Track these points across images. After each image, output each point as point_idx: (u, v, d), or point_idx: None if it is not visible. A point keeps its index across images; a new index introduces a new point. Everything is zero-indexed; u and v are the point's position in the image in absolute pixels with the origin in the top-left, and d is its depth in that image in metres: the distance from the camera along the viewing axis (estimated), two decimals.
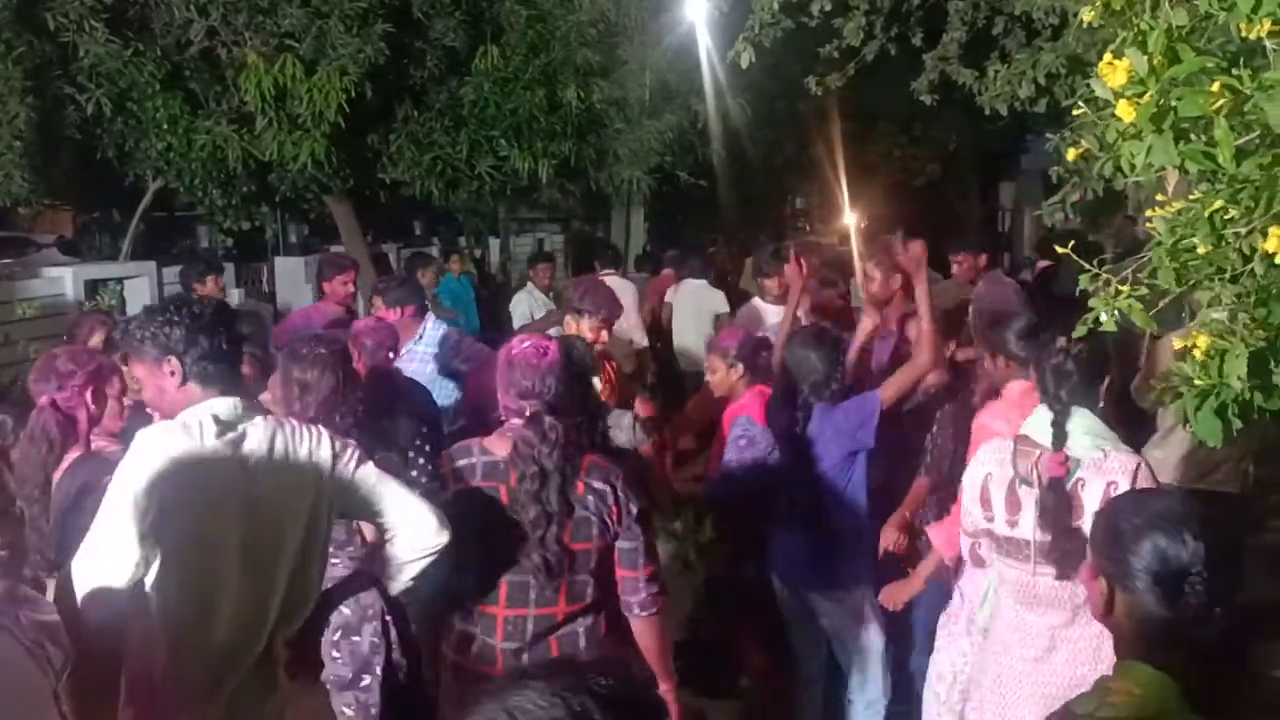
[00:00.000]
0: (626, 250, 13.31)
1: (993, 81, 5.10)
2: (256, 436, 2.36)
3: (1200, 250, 1.99)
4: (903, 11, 5.82)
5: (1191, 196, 2.03)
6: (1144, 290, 2.03)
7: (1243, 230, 1.91)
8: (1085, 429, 2.71)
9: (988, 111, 5.28)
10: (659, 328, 8.01)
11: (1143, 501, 1.86)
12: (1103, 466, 2.67)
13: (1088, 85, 2.08)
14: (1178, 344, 2.03)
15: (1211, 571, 1.62)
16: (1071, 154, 2.34)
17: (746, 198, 15.61)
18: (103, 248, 9.82)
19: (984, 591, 3.01)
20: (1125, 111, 1.88)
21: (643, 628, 2.72)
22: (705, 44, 8.71)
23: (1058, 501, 2.64)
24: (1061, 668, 2.70)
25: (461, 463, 2.69)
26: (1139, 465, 2.68)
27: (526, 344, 2.69)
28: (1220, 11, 1.86)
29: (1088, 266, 2.10)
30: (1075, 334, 2.14)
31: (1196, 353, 1.99)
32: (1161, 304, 2.12)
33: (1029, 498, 2.74)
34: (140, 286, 8.14)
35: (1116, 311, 2.01)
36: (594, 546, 2.63)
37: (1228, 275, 1.98)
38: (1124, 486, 2.59)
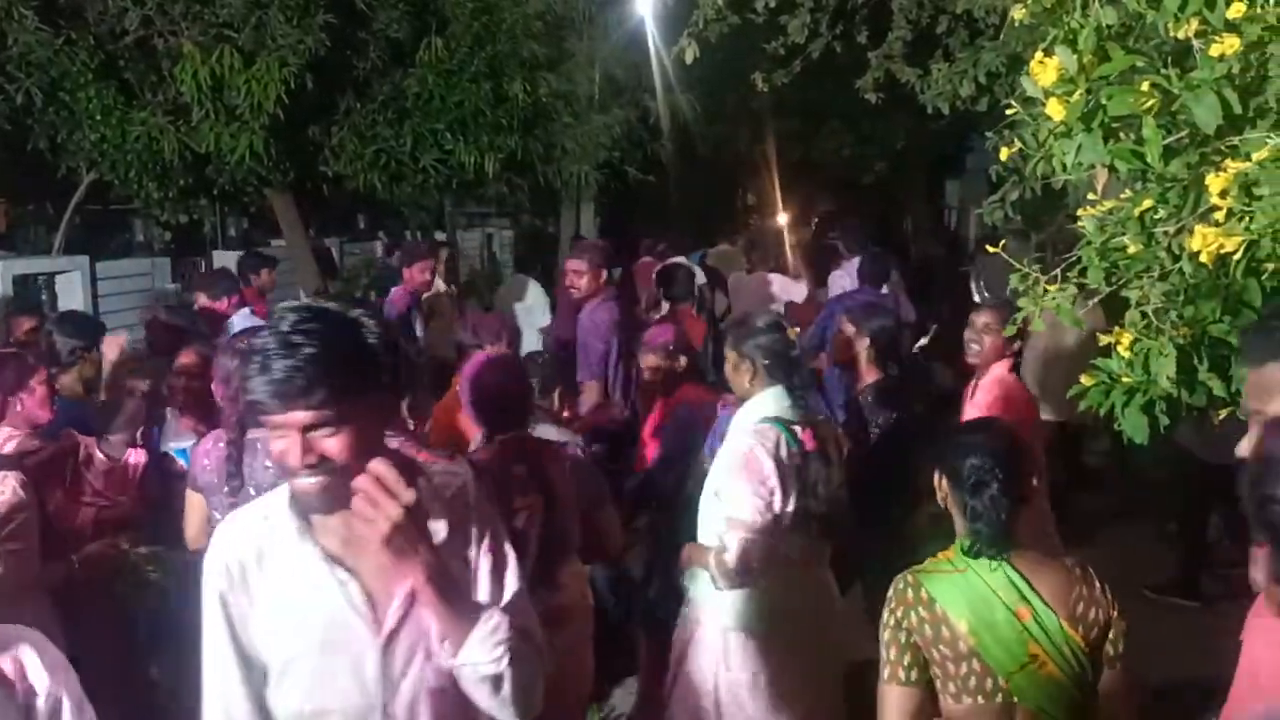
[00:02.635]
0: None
1: (935, 80, 5.12)
2: None
3: (1130, 249, 1.99)
4: (847, 9, 5.82)
5: (1121, 196, 2.03)
6: (1072, 289, 2.03)
7: (1171, 229, 1.92)
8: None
9: (930, 110, 5.29)
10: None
11: (961, 435, 2.63)
12: None
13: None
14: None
15: (1003, 470, 2.32)
16: (1004, 153, 2.34)
17: (697, 193, 15.61)
18: (37, 242, 9.57)
19: None
20: (1055, 110, 1.87)
21: None
22: (653, 39, 8.69)
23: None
24: None
25: None
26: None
27: None
28: (1149, 11, 1.86)
29: (1018, 266, 2.10)
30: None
31: (1121, 349, 1.99)
32: (1091, 303, 2.12)
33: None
34: (72, 281, 7.94)
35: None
36: None
37: (1156, 274, 1.98)
38: None
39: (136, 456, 3.70)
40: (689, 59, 5.30)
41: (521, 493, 3.00)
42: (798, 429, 3.10)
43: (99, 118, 7.11)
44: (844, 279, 7.68)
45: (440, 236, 13.75)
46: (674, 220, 14.09)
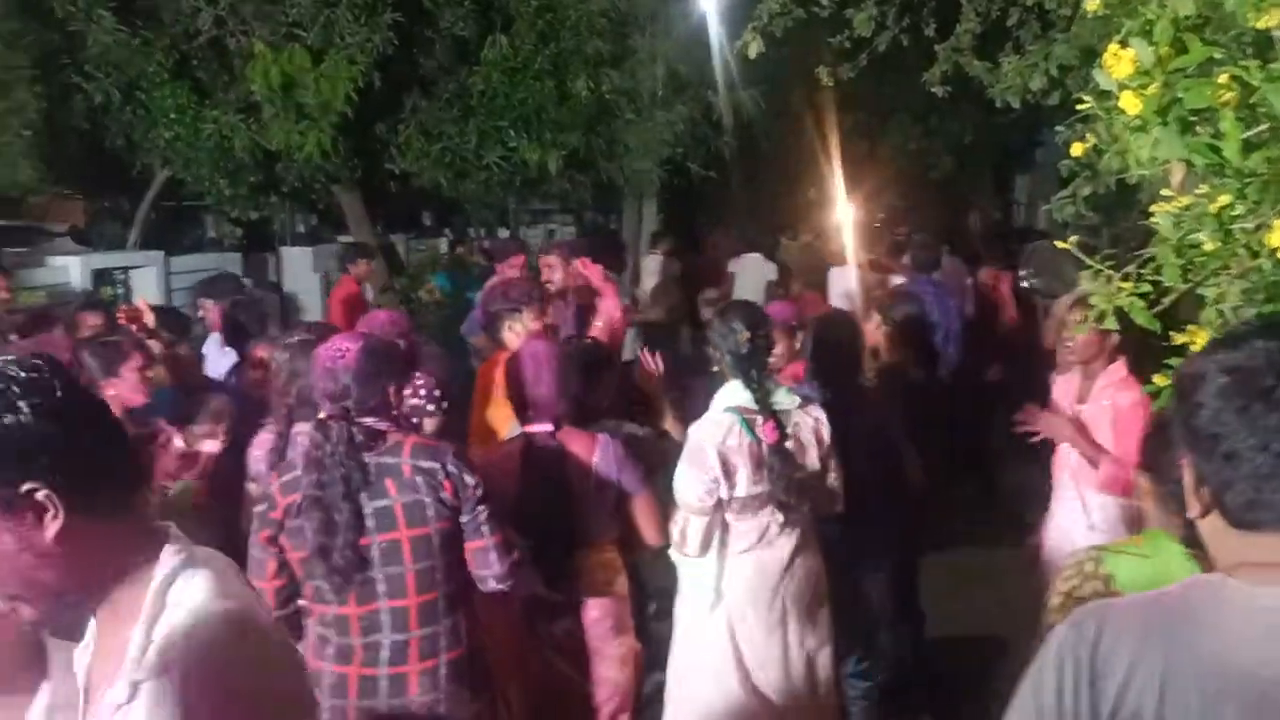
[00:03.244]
0: (639, 242, 13.23)
1: (1004, 74, 5.02)
2: None
3: (1206, 246, 1.93)
4: (915, 2, 5.74)
5: (1198, 191, 1.97)
6: (1146, 287, 1.98)
7: (1250, 225, 1.86)
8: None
9: (999, 104, 5.19)
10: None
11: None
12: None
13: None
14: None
15: None
16: (1077, 149, 2.29)
17: (760, 189, 15.50)
18: (112, 237, 9.83)
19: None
20: (1130, 104, 1.82)
21: (499, 600, 2.77)
22: (717, 34, 8.67)
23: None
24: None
25: (287, 477, 2.66)
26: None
27: (330, 345, 2.68)
28: (1227, 0, 1.81)
29: (1090, 262, 2.05)
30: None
31: (1195, 349, 1.93)
32: (1166, 301, 2.06)
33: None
34: (147, 276, 8.14)
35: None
36: (434, 529, 2.59)
37: (1234, 272, 1.92)
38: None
39: (210, 447, 3.78)
40: (752, 54, 5.26)
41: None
42: (758, 420, 3.22)
43: (173, 116, 7.30)
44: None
45: (504, 233, 13.88)
46: (736, 217, 14.04)
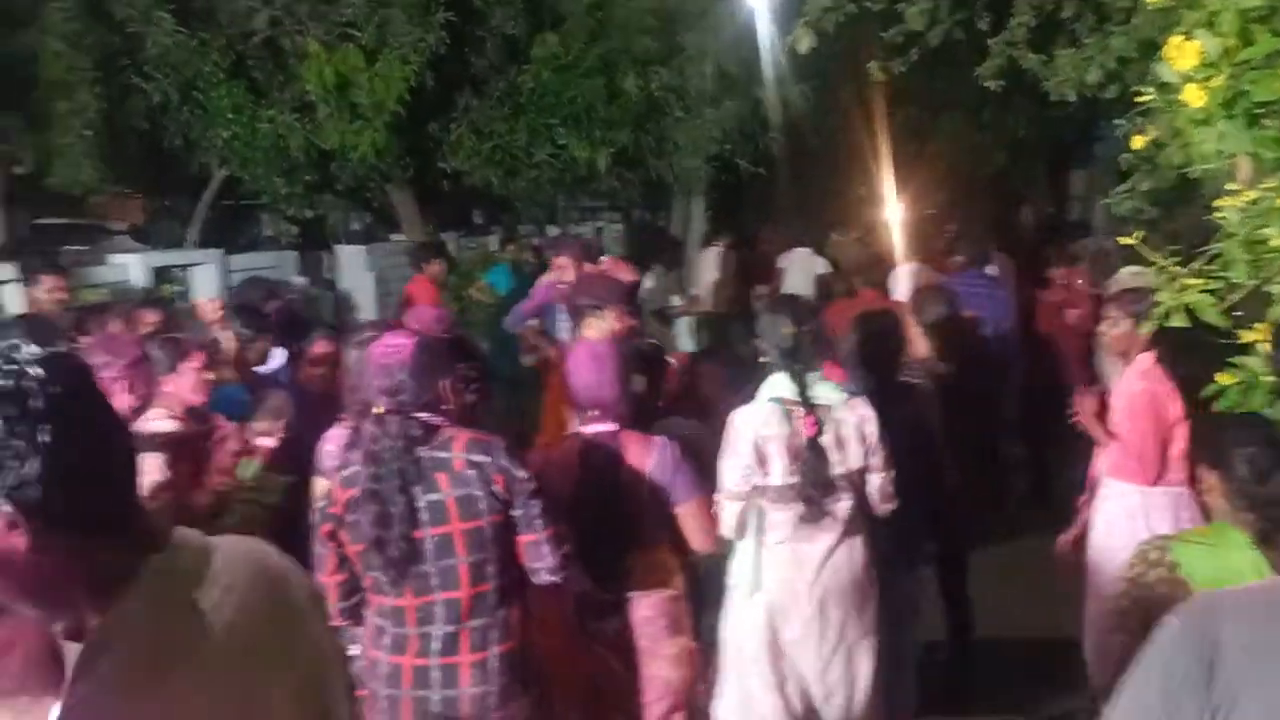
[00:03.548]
0: (686, 239, 13.21)
1: (1059, 67, 4.94)
2: None
3: (1274, 242, 1.90)
4: None
5: (1265, 185, 1.93)
6: (1216, 284, 1.94)
7: None
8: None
9: (1054, 98, 5.12)
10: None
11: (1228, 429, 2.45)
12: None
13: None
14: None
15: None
16: (1138, 142, 2.26)
17: (809, 186, 15.40)
18: (171, 235, 10.01)
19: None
20: (1193, 96, 1.79)
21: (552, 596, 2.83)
22: (766, 31, 8.63)
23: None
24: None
25: (346, 472, 2.70)
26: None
27: (384, 341, 2.72)
28: None
29: (1155, 259, 2.02)
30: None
31: (1264, 346, 1.90)
32: (1233, 298, 2.02)
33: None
34: (207, 273, 8.26)
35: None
36: (486, 522, 2.62)
37: None
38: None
39: (267, 442, 3.84)
40: (803, 49, 5.23)
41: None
42: (799, 412, 3.29)
43: (230, 116, 7.43)
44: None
45: (553, 231, 13.92)
46: (785, 213, 13.96)
